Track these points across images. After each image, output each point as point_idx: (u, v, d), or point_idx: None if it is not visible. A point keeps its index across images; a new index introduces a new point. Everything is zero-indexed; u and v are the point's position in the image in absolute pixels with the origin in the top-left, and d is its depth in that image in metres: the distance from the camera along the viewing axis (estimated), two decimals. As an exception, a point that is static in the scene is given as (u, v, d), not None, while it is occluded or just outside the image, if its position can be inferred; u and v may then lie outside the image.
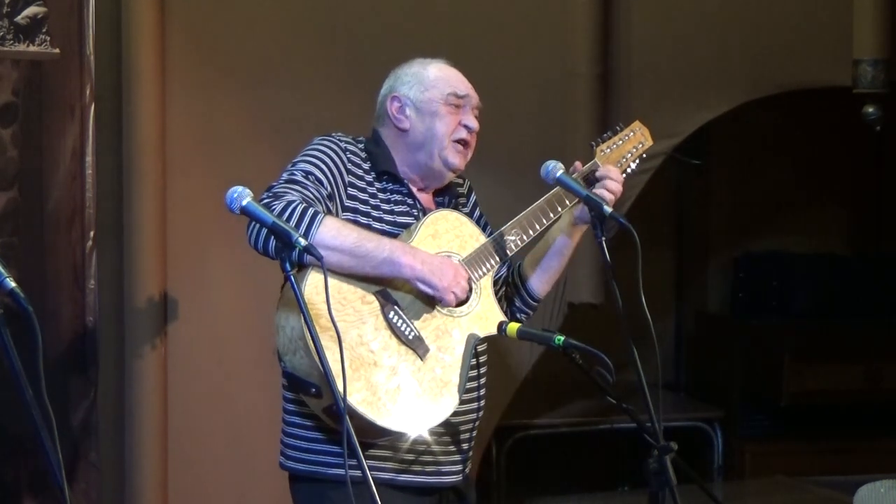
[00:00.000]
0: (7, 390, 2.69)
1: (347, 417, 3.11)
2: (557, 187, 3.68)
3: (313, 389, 3.40)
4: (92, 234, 4.42)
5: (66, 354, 4.37)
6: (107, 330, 4.60)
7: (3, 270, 2.75)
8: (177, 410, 4.78)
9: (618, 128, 3.89)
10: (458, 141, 3.66)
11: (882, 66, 5.52)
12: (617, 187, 3.70)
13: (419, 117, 3.67)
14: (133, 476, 4.71)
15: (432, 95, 3.66)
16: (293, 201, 3.41)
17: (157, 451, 4.74)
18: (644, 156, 3.93)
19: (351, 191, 3.59)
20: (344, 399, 3.18)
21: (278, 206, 3.39)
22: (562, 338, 3.42)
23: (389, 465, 3.52)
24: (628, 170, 3.87)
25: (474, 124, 3.69)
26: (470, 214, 3.78)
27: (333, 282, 3.39)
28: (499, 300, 3.71)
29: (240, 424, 4.86)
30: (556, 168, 3.62)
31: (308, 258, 3.29)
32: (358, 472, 3.06)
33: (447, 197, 3.76)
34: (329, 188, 3.54)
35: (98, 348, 4.45)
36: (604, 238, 3.49)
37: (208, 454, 4.86)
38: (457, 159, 3.67)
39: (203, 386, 4.84)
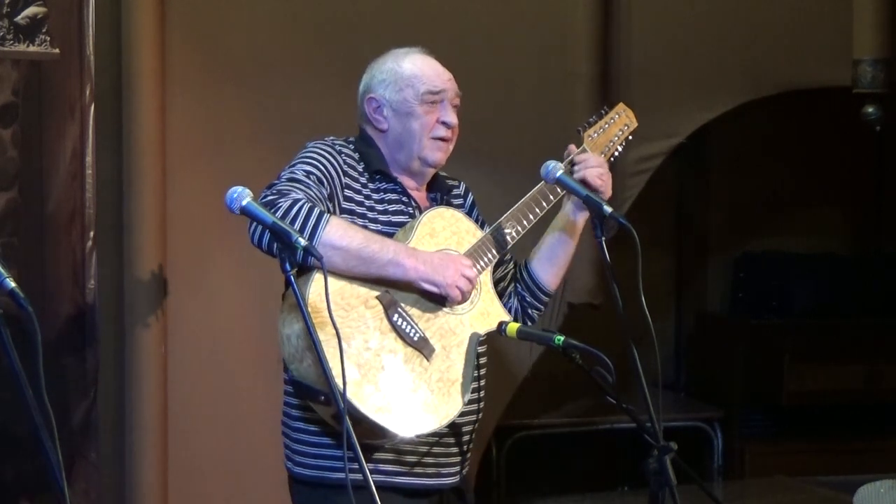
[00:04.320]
0: (7, 390, 2.69)
1: (349, 422, 3.10)
2: None
3: (322, 397, 3.37)
4: (92, 234, 4.42)
5: (65, 354, 4.37)
6: (106, 330, 4.60)
7: (3, 270, 2.75)
8: (177, 410, 4.78)
9: (602, 111, 3.86)
10: (437, 138, 3.61)
11: (882, 66, 5.52)
12: (596, 171, 3.66)
13: (396, 118, 3.61)
14: (133, 476, 4.71)
15: (407, 95, 3.60)
16: (299, 199, 3.38)
17: (157, 451, 4.74)
18: (630, 138, 3.91)
19: (347, 192, 3.56)
20: (344, 399, 3.17)
21: (284, 204, 3.35)
22: (562, 338, 3.41)
23: (392, 467, 3.51)
24: (616, 153, 3.86)
25: (452, 120, 3.62)
26: (468, 215, 3.75)
27: (336, 286, 3.38)
28: (507, 297, 3.72)
29: (240, 424, 4.86)
30: (556, 168, 3.61)
31: (311, 260, 3.25)
32: (360, 476, 3.05)
33: (438, 193, 3.73)
34: (329, 189, 3.51)
35: (98, 348, 4.45)
36: (604, 238, 3.49)
37: (208, 454, 4.86)
38: (436, 156, 3.62)
39: (203, 386, 4.83)
